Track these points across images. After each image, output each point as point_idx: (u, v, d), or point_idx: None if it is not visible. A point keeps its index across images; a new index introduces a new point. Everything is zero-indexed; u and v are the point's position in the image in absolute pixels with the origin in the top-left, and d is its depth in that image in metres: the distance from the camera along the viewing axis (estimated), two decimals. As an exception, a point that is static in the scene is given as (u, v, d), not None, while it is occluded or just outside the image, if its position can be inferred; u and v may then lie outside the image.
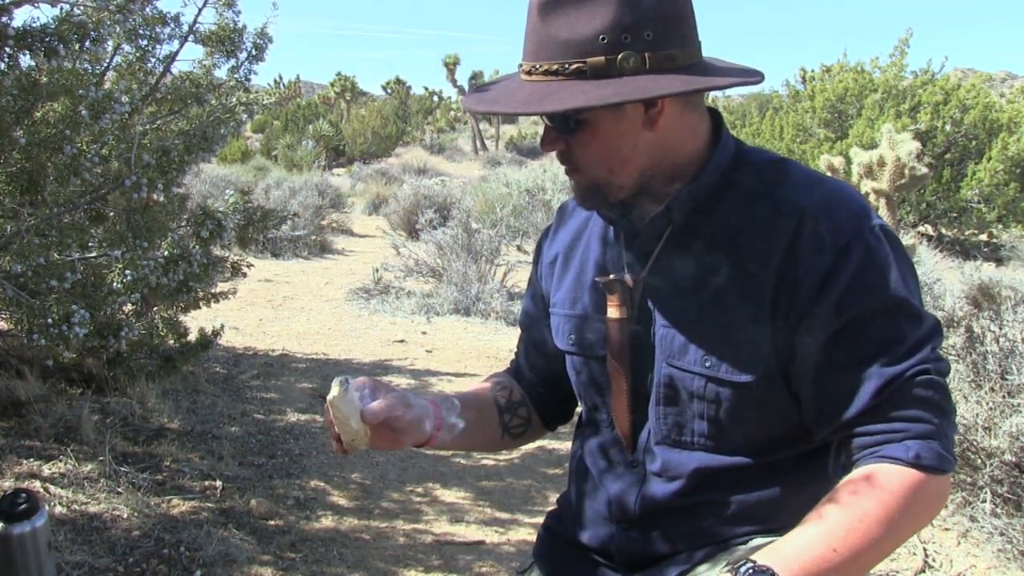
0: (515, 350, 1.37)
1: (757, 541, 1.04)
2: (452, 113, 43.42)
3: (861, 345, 0.96)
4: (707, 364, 1.03)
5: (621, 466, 1.14)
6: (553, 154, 1.07)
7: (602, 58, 0.96)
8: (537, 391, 1.31)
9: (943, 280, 6.07)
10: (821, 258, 0.97)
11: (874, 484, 0.92)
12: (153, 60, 3.05)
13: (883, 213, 5.07)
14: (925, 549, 2.77)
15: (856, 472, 0.95)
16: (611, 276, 1.10)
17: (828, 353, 0.97)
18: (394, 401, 1.07)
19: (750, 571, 0.86)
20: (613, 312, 1.10)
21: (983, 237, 12.11)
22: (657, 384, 1.07)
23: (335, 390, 1.04)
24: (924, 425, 0.94)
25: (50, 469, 2.88)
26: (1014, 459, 2.66)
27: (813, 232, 0.98)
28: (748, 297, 1.01)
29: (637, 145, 1.02)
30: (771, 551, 0.90)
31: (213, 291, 3.78)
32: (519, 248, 9.35)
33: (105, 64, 3.09)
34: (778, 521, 1.02)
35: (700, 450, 1.06)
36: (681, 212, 1.06)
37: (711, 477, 1.06)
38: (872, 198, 5.05)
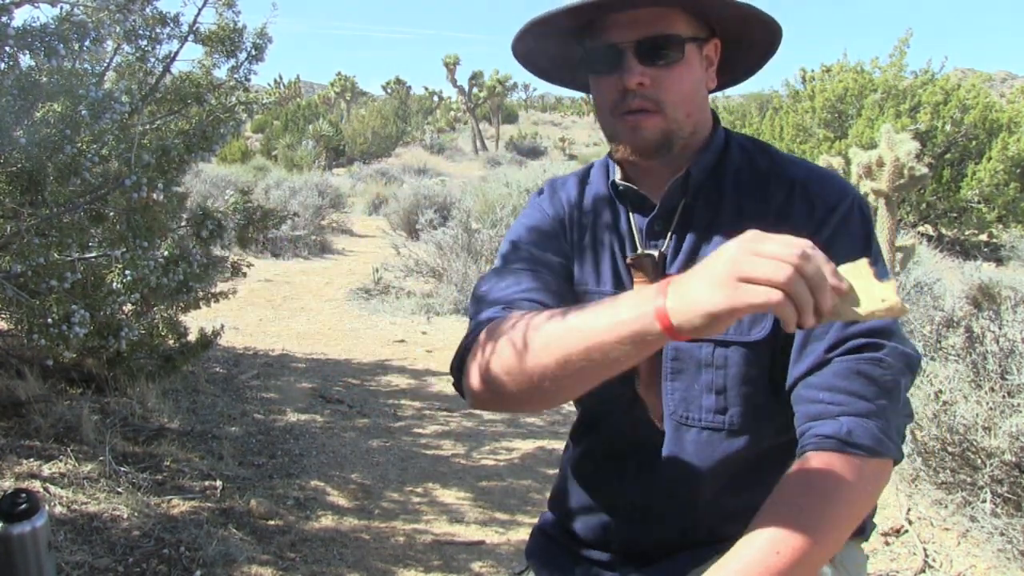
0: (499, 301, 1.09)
1: None
2: (452, 113, 43.44)
3: None
4: None
5: (627, 451, 1.14)
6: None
7: None
8: None
9: (943, 280, 6.08)
10: (809, 217, 1.03)
11: (812, 477, 0.93)
12: (153, 60, 3.05)
13: (882, 213, 5.07)
14: (925, 549, 2.77)
15: (795, 465, 0.95)
16: (640, 252, 1.11)
17: None
18: None
19: None
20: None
21: (983, 237, 12.11)
22: (664, 359, 1.08)
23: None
24: (863, 403, 0.95)
25: (50, 469, 2.87)
26: (1014, 459, 2.65)
27: (803, 196, 1.05)
28: None
29: (704, 96, 1.11)
30: (717, 568, 0.90)
31: (213, 291, 3.78)
32: (519, 248, 9.33)
33: (105, 64, 3.09)
34: None
35: (707, 429, 1.07)
36: (697, 179, 1.09)
37: (715, 465, 1.07)
38: (871, 198, 5.05)
